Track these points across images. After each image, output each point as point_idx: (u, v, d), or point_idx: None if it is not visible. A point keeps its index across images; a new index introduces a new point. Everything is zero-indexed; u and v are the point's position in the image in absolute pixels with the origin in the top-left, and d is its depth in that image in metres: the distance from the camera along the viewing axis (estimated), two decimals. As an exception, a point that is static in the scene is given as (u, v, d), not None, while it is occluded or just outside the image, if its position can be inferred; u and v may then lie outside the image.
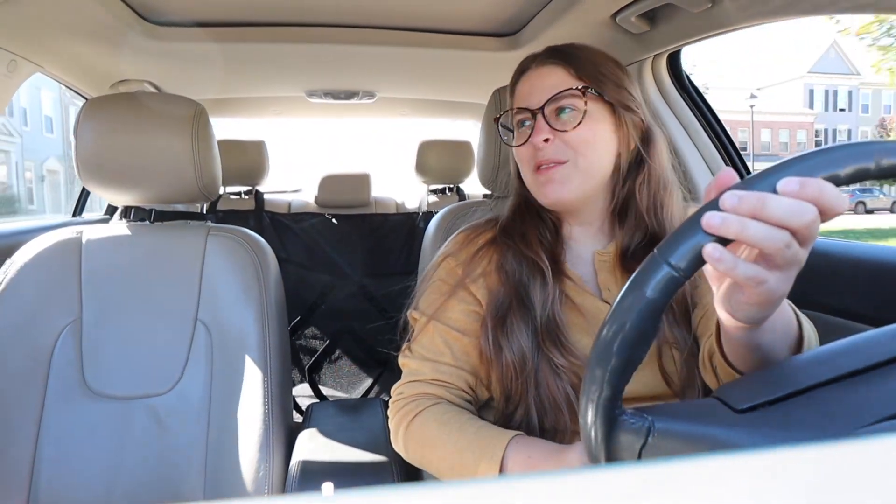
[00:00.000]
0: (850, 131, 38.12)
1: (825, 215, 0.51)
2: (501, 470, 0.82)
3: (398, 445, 1.01)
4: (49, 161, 27.72)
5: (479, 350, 1.01)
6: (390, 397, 1.05)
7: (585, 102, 0.99)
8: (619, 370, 0.53)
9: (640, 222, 1.03)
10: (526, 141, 1.01)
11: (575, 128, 0.98)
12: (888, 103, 40.27)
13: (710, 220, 0.50)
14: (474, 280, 1.04)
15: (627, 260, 1.01)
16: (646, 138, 1.05)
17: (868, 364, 0.54)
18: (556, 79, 1.01)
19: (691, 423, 0.55)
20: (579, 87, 0.99)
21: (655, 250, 0.53)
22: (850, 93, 39.35)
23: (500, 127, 1.11)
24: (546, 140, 0.98)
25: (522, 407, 0.96)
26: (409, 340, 1.08)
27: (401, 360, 1.08)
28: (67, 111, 26.23)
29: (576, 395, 0.92)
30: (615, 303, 0.54)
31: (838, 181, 0.52)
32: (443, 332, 1.03)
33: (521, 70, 1.08)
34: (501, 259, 1.04)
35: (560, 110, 1.00)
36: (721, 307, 0.62)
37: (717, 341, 0.74)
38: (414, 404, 0.98)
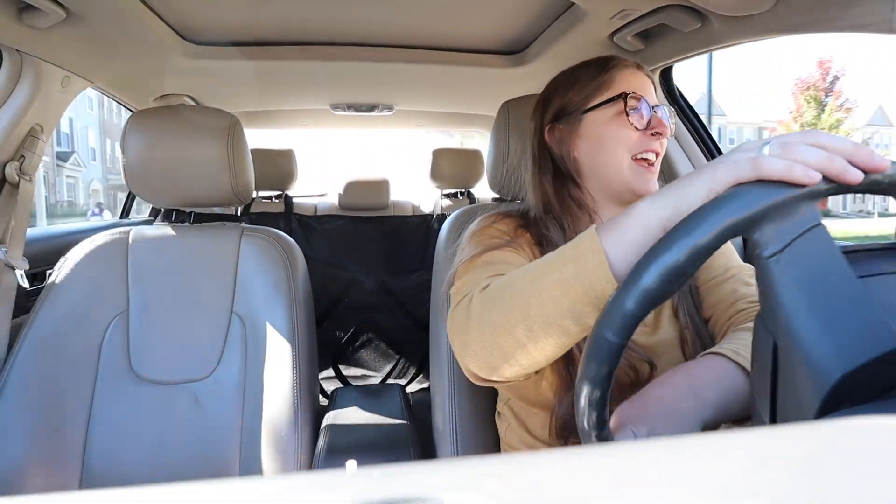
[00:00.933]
0: (720, 162, 44.23)
1: None
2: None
3: (467, 329, 0.74)
4: (93, 183, 34.77)
5: None
6: (407, 383, 1.02)
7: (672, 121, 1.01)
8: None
9: None
10: (645, 128, 0.96)
11: (670, 136, 1.00)
12: (749, 137, 45.65)
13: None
14: (521, 246, 0.95)
15: None
16: None
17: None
18: (652, 89, 1.02)
19: None
20: (673, 107, 1.01)
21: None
22: (719, 129, 43.56)
23: (627, 103, 0.97)
24: (664, 135, 0.97)
25: None
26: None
27: (452, 291, 0.89)
28: (104, 144, 34.62)
29: (632, 366, 0.89)
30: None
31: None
32: (499, 254, 0.90)
33: (620, 64, 1.01)
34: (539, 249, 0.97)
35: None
36: None
37: None
38: (473, 287, 0.79)
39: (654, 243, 0.52)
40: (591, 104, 1.00)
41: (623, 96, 0.97)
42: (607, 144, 0.98)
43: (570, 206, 1.02)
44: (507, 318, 0.68)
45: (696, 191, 0.56)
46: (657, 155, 0.97)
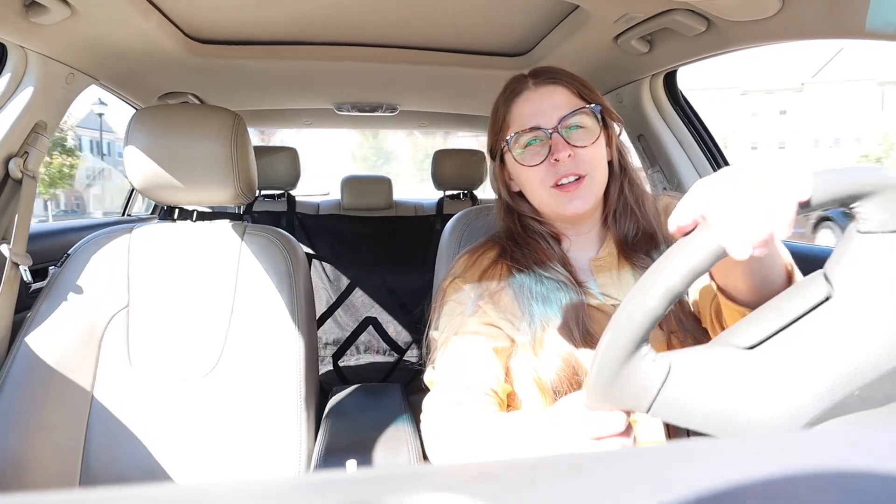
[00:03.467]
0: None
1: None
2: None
3: (434, 453, 0.96)
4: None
5: (496, 351, 0.98)
6: (408, 382, 1.03)
7: (597, 120, 0.98)
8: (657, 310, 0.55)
9: (632, 217, 1.02)
10: (543, 160, 0.96)
11: (593, 143, 0.96)
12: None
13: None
14: (485, 300, 1.00)
15: (628, 251, 1.00)
16: (620, 146, 1.05)
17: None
18: (562, 98, 0.98)
19: (707, 362, 0.57)
20: (590, 106, 0.97)
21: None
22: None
23: (509, 148, 1.01)
24: (569, 156, 0.95)
25: None
26: (431, 360, 1.04)
27: (426, 378, 1.04)
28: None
29: None
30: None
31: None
32: (461, 342, 0.99)
33: (515, 92, 1.03)
34: (514, 281, 1.00)
35: (570, 128, 0.97)
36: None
37: (720, 292, 0.78)
38: (443, 413, 0.94)
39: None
40: (498, 149, 1.05)
41: (507, 140, 1.01)
42: (524, 182, 1.02)
43: (532, 237, 1.05)
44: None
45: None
46: (576, 174, 0.96)
